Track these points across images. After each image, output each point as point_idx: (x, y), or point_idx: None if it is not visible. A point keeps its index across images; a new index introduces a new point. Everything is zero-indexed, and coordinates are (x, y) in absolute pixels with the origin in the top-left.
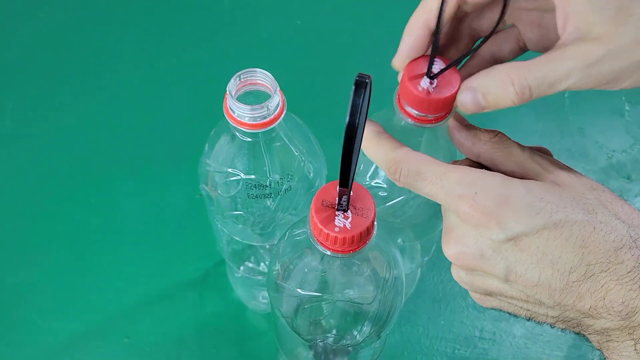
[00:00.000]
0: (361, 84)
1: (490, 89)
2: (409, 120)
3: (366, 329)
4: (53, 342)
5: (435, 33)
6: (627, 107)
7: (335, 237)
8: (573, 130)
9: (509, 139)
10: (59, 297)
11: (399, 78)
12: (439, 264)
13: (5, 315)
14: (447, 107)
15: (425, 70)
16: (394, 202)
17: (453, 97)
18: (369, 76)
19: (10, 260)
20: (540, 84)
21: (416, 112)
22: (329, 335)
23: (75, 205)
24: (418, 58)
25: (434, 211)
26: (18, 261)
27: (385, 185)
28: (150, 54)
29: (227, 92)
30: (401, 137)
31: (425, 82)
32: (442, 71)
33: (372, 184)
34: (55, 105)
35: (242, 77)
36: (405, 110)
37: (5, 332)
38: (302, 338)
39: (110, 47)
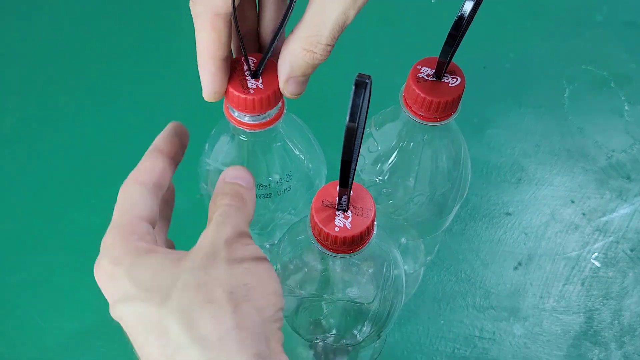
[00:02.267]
0: (361, 85)
1: (298, 69)
2: (415, 118)
3: (366, 328)
4: (53, 342)
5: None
6: (626, 107)
7: (336, 237)
8: (573, 130)
9: None
10: (59, 297)
11: None
12: (439, 263)
13: (5, 315)
14: (453, 107)
15: (430, 72)
16: (398, 199)
17: (459, 98)
18: (369, 76)
19: (10, 260)
20: (334, 35)
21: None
22: (329, 334)
23: (75, 205)
24: (425, 59)
25: (438, 209)
26: (18, 261)
27: (389, 182)
28: (150, 54)
29: None
30: (407, 135)
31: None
32: (445, 67)
33: (377, 180)
34: (55, 105)
35: None
36: (411, 109)
37: (5, 332)
38: (302, 338)
39: (111, 47)
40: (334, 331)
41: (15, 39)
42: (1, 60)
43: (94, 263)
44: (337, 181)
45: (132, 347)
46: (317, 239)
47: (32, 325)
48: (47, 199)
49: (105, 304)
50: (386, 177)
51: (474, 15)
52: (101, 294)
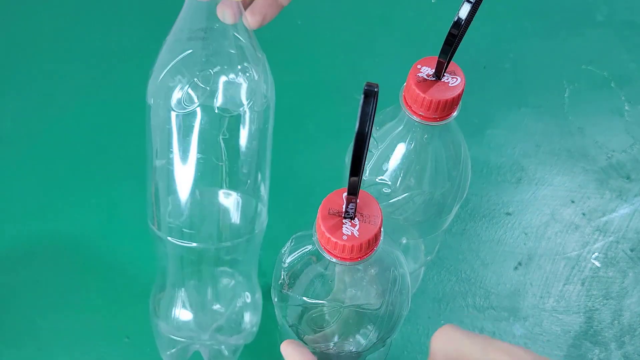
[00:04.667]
0: (370, 94)
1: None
2: (415, 117)
3: (373, 335)
4: (53, 342)
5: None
6: (626, 107)
7: (344, 245)
8: (573, 130)
9: None
10: (59, 297)
11: None
12: (439, 263)
13: (5, 315)
14: (453, 107)
15: (430, 72)
16: (398, 199)
17: (458, 98)
18: (377, 85)
19: (11, 260)
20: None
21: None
22: (335, 342)
23: (75, 205)
24: (425, 59)
25: (438, 209)
26: (18, 261)
27: (389, 182)
28: (150, 54)
29: None
30: (407, 134)
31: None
32: (445, 67)
33: (377, 180)
34: (55, 105)
35: None
36: (411, 109)
37: (5, 332)
38: (308, 346)
39: (111, 47)
40: (341, 339)
41: (16, 39)
42: (1, 60)
43: (94, 263)
44: (343, 189)
45: None
46: (325, 248)
47: (32, 325)
48: (46, 198)
49: (105, 304)
50: (385, 176)
51: (474, 15)
52: (101, 294)
